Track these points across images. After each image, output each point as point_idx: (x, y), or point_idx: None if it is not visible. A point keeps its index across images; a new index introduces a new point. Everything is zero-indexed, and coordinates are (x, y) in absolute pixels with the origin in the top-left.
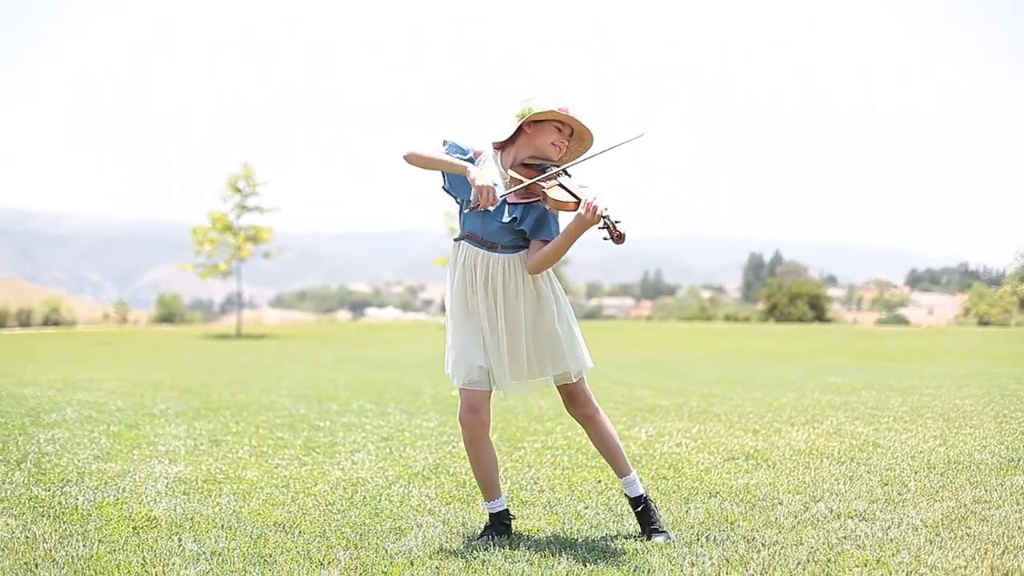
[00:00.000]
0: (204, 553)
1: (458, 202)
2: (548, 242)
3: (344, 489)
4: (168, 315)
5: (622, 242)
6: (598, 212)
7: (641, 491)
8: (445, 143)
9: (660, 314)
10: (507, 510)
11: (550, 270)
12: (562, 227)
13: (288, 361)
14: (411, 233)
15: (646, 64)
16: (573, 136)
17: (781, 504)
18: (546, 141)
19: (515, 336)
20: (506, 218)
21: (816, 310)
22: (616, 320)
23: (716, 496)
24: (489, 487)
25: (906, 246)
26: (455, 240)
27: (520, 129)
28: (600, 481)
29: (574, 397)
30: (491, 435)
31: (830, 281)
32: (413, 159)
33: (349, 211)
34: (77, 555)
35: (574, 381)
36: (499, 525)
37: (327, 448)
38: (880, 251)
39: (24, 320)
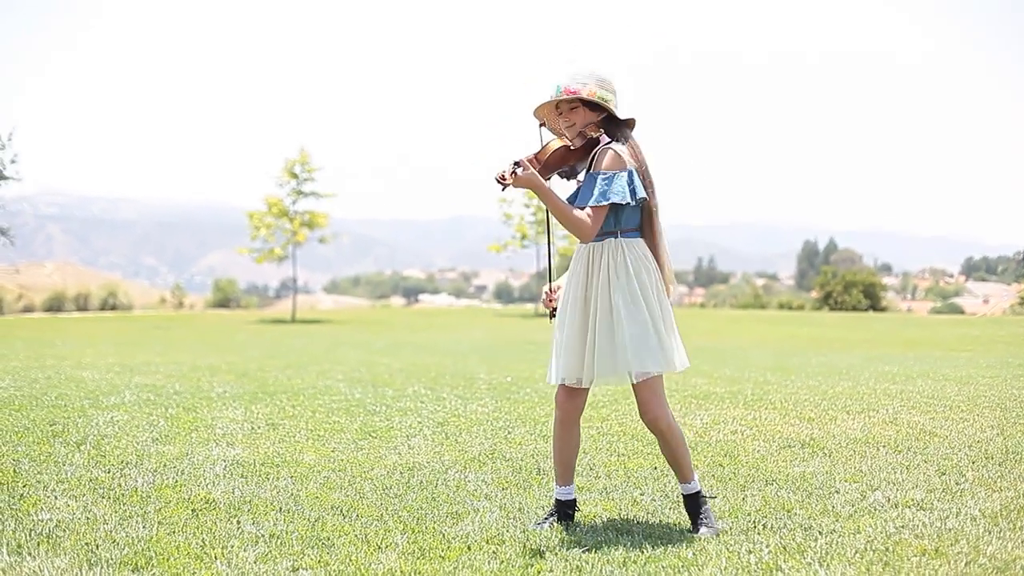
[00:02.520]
0: (263, 535)
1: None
2: (582, 208)
3: (401, 474)
4: (224, 300)
5: (501, 185)
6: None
7: (697, 489)
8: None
9: (713, 301)
10: (574, 500)
11: (640, 261)
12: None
13: (342, 346)
14: (465, 219)
15: (699, 50)
16: (567, 107)
17: (838, 492)
18: (558, 131)
19: (596, 328)
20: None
21: (870, 298)
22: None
23: (772, 484)
24: (565, 472)
25: (961, 234)
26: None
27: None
28: (656, 468)
29: (645, 403)
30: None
31: (884, 269)
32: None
33: (403, 197)
34: (137, 536)
35: (635, 383)
36: (563, 512)
37: (383, 433)
38: (935, 239)
39: (82, 304)
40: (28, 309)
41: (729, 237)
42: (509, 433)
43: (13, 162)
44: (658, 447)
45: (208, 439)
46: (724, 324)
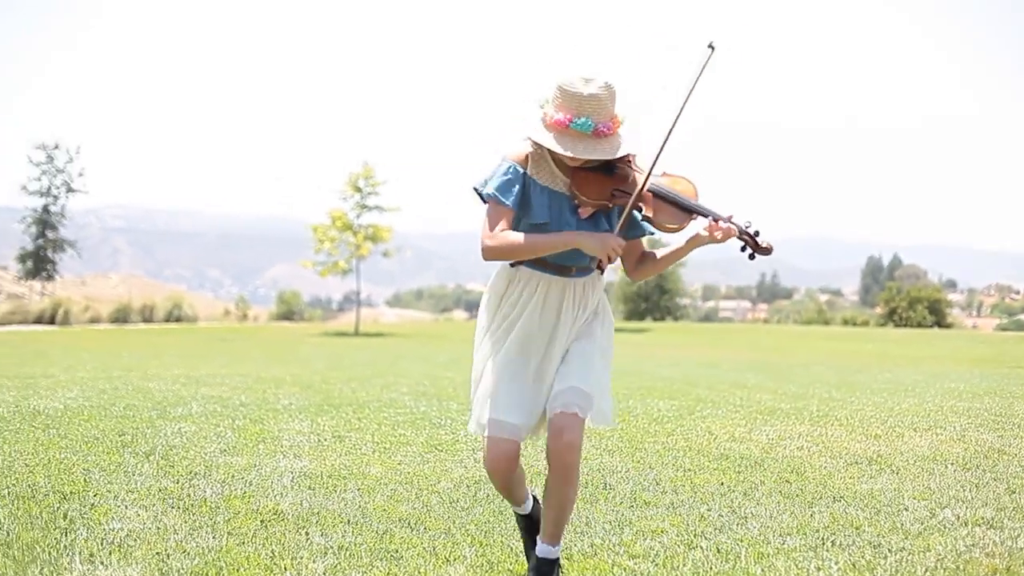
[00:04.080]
0: (331, 547)
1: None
2: (643, 237)
3: (468, 487)
4: (288, 312)
5: (769, 254)
6: (731, 234)
7: (557, 556)
8: (488, 197)
9: (777, 317)
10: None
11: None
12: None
13: (405, 359)
14: None
15: (763, 60)
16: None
17: (906, 510)
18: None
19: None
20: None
21: (935, 315)
22: (733, 323)
23: (840, 500)
24: (517, 500)
25: None
26: (511, 265)
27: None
28: (723, 483)
29: (570, 428)
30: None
31: (950, 285)
32: (514, 256)
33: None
34: (207, 547)
35: (582, 416)
36: (531, 527)
37: (449, 446)
38: (1001, 254)
39: (147, 316)
40: (95, 320)
41: (792, 252)
42: None
43: (80, 175)
44: (725, 462)
45: (275, 451)
46: (787, 340)
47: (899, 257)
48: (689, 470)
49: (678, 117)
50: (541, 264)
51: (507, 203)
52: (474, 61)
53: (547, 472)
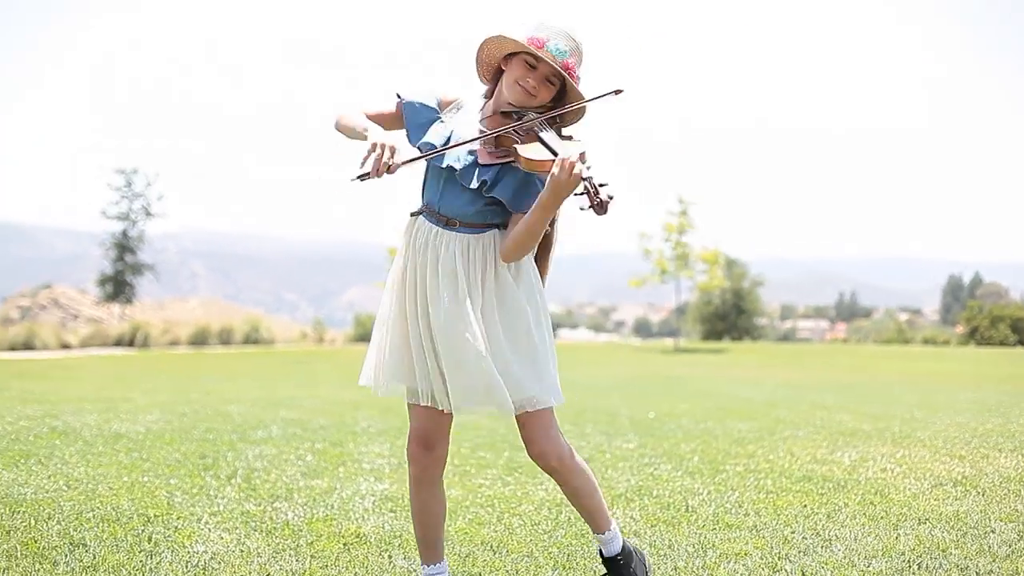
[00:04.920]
0: (414, 570)
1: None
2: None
3: (549, 510)
4: (364, 334)
5: (603, 212)
6: (575, 171)
7: (618, 549)
8: (400, 98)
9: (856, 337)
10: None
11: (532, 268)
12: None
13: None
14: (603, 254)
15: (840, 74)
16: (563, 90)
17: (994, 532)
18: (510, 79)
19: (463, 342)
20: (474, 183)
21: (1018, 333)
22: (811, 343)
23: (926, 523)
24: (431, 547)
25: None
26: (411, 215)
27: (500, 69)
28: (806, 506)
29: (531, 437)
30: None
31: None
32: (339, 129)
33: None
34: (291, 570)
35: (529, 410)
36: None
37: (529, 469)
38: None
39: (225, 338)
40: (173, 343)
41: (871, 271)
42: (655, 470)
43: (159, 199)
44: (809, 484)
45: (356, 473)
46: (867, 360)
47: (980, 275)
48: (771, 492)
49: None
50: (427, 210)
51: (402, 101)
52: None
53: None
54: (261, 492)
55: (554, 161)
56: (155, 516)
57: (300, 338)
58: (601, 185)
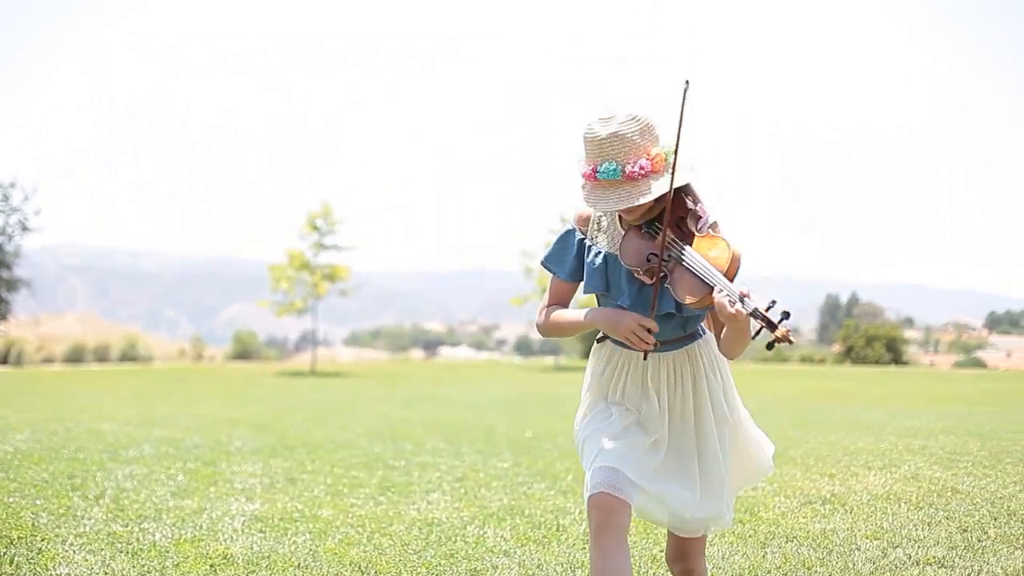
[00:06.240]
0: None
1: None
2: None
3: (420, 529)
4: (244, 352)
5: (789, 343)
6: (736, 311)
7: None
8: (551, 270)
9: None
10: None
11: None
12: None
13: (362, 399)
14: (485, 272)
15: (720, 100)
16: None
17: (859, 550)
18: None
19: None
20: (669, 307)
21: (893, 352)
22: None
23: (793, 541)
24: None
25: (984, 287)
26: (597, 341)
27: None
28: None
29: (688, 552)
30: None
31: (907, 323)
32: (555, 335)
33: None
34: None
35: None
36: None
37: (402, 488)
38: (959, 292)
39: (102, 356)
40: (48, 360)
41: (750, 290)
42: (528, 488)
43: (37, 214)
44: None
45: (227, 493)
46: (745, 378)
47: (857, 295)
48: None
49: (675, 163)
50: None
51: (558, 273)
52: (433, 99)
53: None
54: (129, 513)
55: (711, 294)
56: (18, 538)
57: (179, 355)
58: (768, 309)
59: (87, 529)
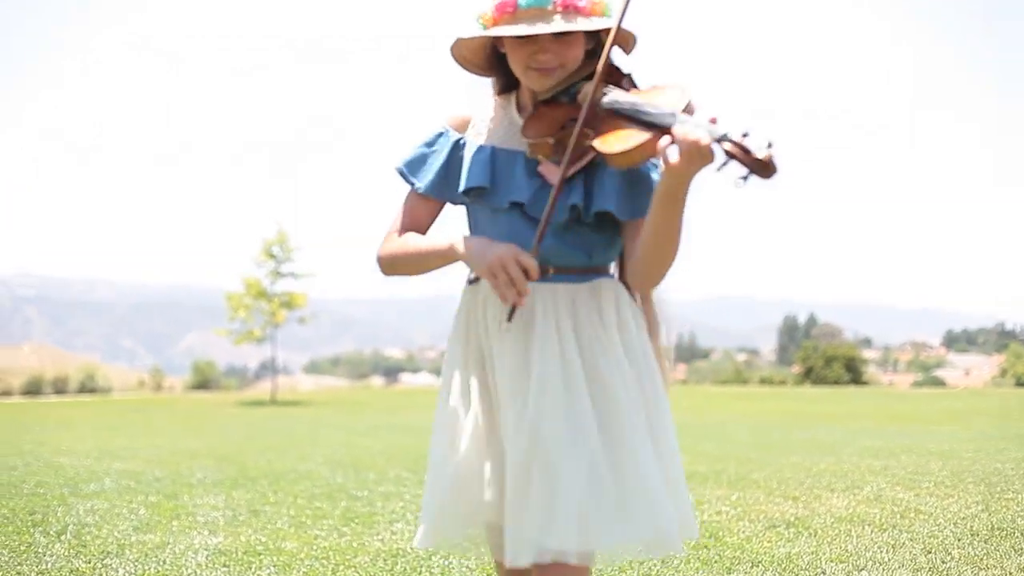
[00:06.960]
0: None
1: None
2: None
3: (384, 560)
4: (203, 381)
5: (772, 170)
6: (695, 139)
7: None
8: (410, 181)
9: (695, 378)
10: None
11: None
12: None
13: (323, 428)
14: (444, 298)
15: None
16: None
17: (824, 574)
18: (516, 67)
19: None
20: (563, 214)
21: (852, 372)
22: None
23: (758, 566)
24: None
25: (942, 306)
26: (469, 283)
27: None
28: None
29: None
30: None
31: (865, 343)
32: (398, 270)
33: (381, 276)
34: None
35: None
36: None
37: (366, 518)
38: (916, 312)
39: (60, 387)
40: (6, 393)
41: (709, 312)
42: None
43: None
44: None
45: (190, 527)
46: (705, 400)
47: (815, 316)
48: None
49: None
50: None
51: (417, 184)
52: (390, 120)
53: None
54: (92, 548)
55: (657, 137)
56: None
57: (138, 386)
58: (744, 136)
59: (49, 566)
